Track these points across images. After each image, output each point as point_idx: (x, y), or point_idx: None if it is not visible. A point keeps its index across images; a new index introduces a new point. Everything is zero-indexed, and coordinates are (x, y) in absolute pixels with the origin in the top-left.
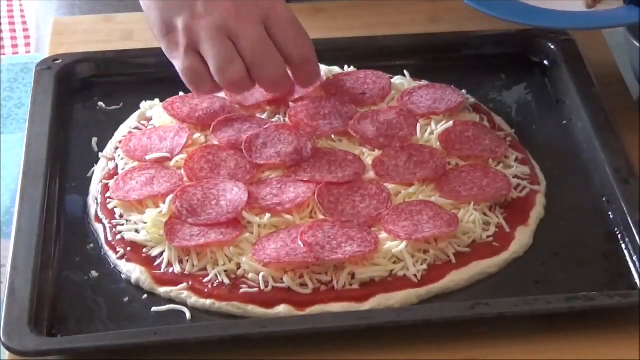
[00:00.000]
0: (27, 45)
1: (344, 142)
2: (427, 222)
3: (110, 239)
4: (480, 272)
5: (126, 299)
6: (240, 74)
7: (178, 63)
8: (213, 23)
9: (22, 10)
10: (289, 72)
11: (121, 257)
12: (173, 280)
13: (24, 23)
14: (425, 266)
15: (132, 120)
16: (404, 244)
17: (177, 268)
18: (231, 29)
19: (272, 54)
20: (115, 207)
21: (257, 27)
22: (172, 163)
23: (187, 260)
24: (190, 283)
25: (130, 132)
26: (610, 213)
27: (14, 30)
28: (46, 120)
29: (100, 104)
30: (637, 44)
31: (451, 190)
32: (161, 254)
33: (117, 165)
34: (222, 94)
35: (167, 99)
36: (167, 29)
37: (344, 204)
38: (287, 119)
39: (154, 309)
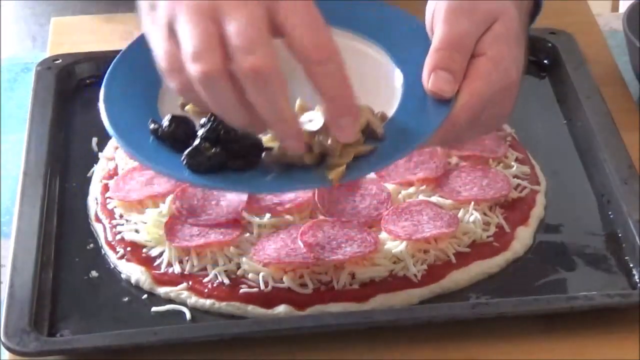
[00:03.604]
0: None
1: None
2: (427, 222)
3: (110, 239)
4: (480, 272)
5: (126, 299)
6: (214, 65)
7: (155, 46)
8: (165, 17)
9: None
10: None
11: (121, 257)
12: (173, 280)
13: None
14: (425, 266)
15: None
16: (404, 244)
17: (177, 268)
18: (220, 8)
19: (264, 40)
20: (115, 207)
21: (256, 9)
22: None
23: (187, 260)
24: (190, 283)
25: None
26: (610, 213)
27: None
28: (46, 120)
29: None
30: (637, 44)
31: (451, 190)
32: (161, 254)
33: (117, 165)
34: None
35: None
36: (151, 4)
37: (344, 204)
38: None
39: (154, 309)
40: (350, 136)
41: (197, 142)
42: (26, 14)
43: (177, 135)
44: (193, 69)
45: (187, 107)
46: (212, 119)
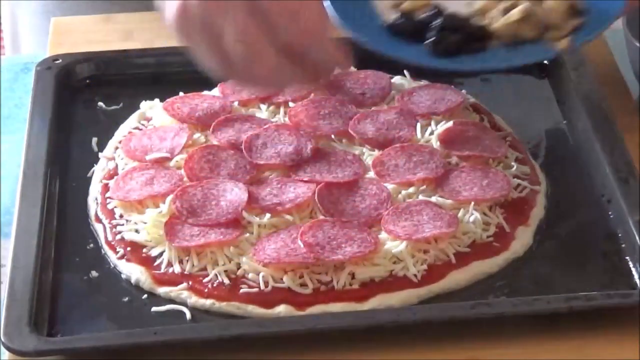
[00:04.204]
0: None
1: (344, 142)
2: (427, 222)
3: (110, 239)
4: (480, 272)
5: (126, 299)
6: (240, 72)
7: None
8: (192, 20)
9: None
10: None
11: (121, 257)
12: (173, 280)
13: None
14: (425, 266)
15: (132, 120)
16: (404, 244)
17: (177, 268)
18: (211, 23)
19: (257, 46)
20: (115, 207)
21: (238, 17)
22: (172, 163)
23: (187, 260)
24: (190, 283)
25: (130, 132)
26: (610, 213)
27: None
28: (46, 120)
29: (100, 104)
30: (637, 44)
31: (451, 190)
32: (161, 254)
33: (117, 165)
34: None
35: (167, 99)
36: (165, 20)
37: (344, 204)
38: (287, 119)
39: (154, 309)
40: None
41: (434, 32)
42: (54, 8)
43: (409, 28)
44: (215, 76)
45: (402, 6)
46: (437, 12)
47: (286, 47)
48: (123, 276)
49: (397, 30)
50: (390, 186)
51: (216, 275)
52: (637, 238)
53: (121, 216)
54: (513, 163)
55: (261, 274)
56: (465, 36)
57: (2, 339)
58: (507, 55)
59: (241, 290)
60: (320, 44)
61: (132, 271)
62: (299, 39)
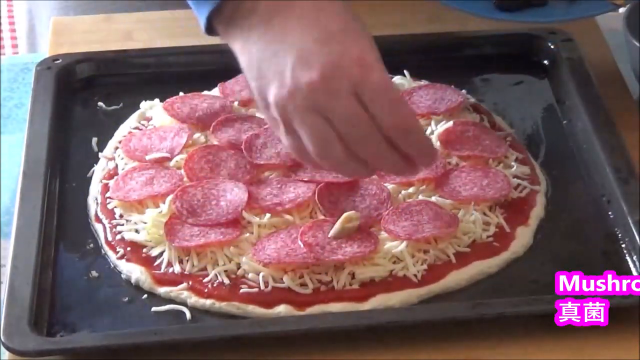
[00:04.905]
0: (14, 46)
1: None
2: (427, 222)
3: (110, 239)
4: (480, 272)
5: (126, 299)
6: (340, 156)
7: (282, 140)
8: (302, 102)
9: (10, 11)
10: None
11: (121, 257)
12: (173, 280)
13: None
14: (425, 266)
15: (132, 120)
16: (404, 244)
17: (177, 268)
18: (321, 106)
19: (367, 128)
20: (115, 207)
21: (348, 100)
22: (172, 163)
23: (187, 260)
24: (190, 283)
25: (130, 132)
26: (610, 213)
27: (14, 30)
28: (46, 120)
29: (100, 104)
30: (637, 44)
31: (451, 190)
32: (161, 254)
33: (117, 165)
34: None
35: (167, 99)
36: (263, 102)
37: (344, 204)
38: None
39: (154, 309)
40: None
41: None
42: (73, 6)
43: None
44: (324, 164)
45: None
46: None
47: (388, 133)
48: (123, 276)
49: None
50: (390, 186)
51: (216, 275)
52: (637, 238)
53: (121, 216)
54: (513, 163)
55: (261, 274)
56: None
57: (2, 339)
58: (567, 10)
59: (241, 290)
60: (415, 136)
61: (132, 271)
62: (398, 127)
